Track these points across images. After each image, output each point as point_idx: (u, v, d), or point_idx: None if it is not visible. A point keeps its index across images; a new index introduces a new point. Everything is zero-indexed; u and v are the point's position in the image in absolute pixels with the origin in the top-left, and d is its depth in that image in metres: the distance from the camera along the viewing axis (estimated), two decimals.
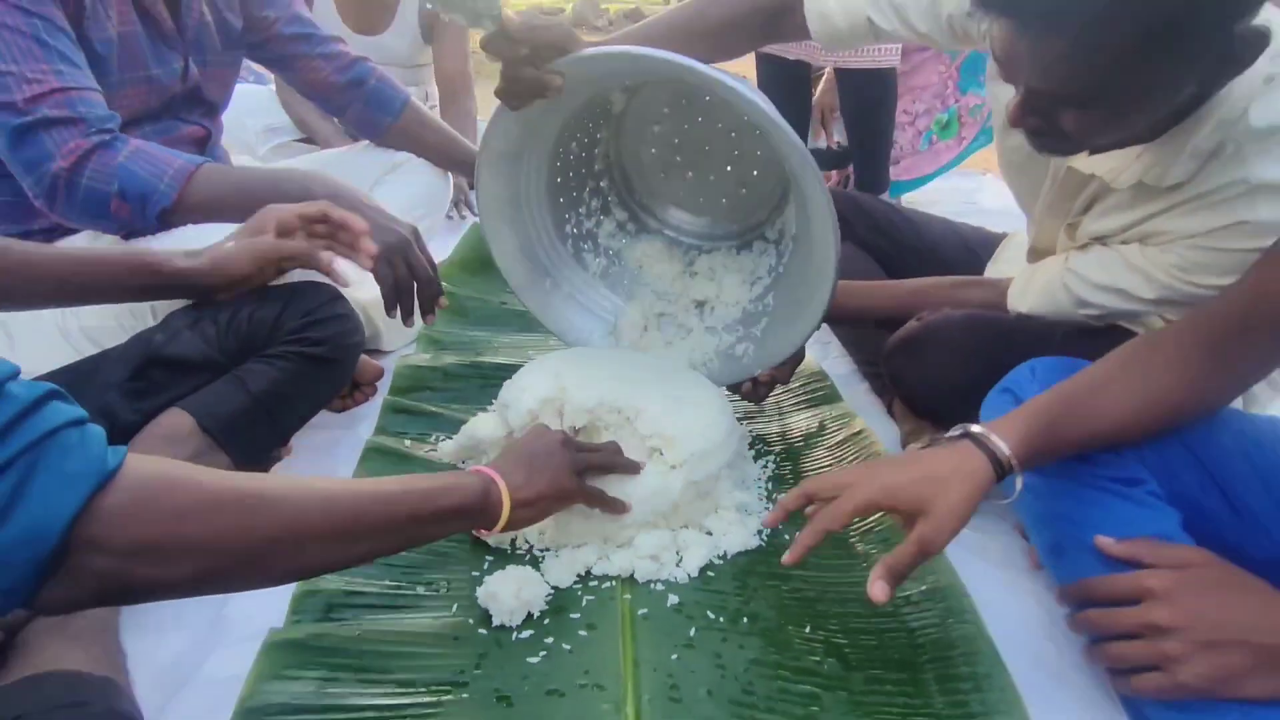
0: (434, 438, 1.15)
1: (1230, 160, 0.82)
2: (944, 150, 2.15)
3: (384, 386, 1.26)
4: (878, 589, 0.72)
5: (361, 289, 1.24)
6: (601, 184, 1.29)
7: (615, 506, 0.92)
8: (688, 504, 0.98)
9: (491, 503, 0.76)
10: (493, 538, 0.96)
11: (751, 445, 1.19)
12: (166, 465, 0.54)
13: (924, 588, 0.91)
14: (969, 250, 1.39)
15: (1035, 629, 0.88)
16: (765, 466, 1.15)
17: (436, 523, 0.71)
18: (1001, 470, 0.76)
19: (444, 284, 1.17)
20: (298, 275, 1.05)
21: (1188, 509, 0.80)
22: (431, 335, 1.41)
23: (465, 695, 0.76)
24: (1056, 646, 0.85)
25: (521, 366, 1.11)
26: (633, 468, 0.94)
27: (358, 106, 1.51)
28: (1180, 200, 0.87)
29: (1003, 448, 0.76)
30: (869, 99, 1.97)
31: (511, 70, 0.95)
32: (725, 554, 0.97)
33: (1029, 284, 1.06)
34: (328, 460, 1.11)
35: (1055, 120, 0.77)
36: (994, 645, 0.83)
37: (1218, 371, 0.78)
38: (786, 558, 0.78)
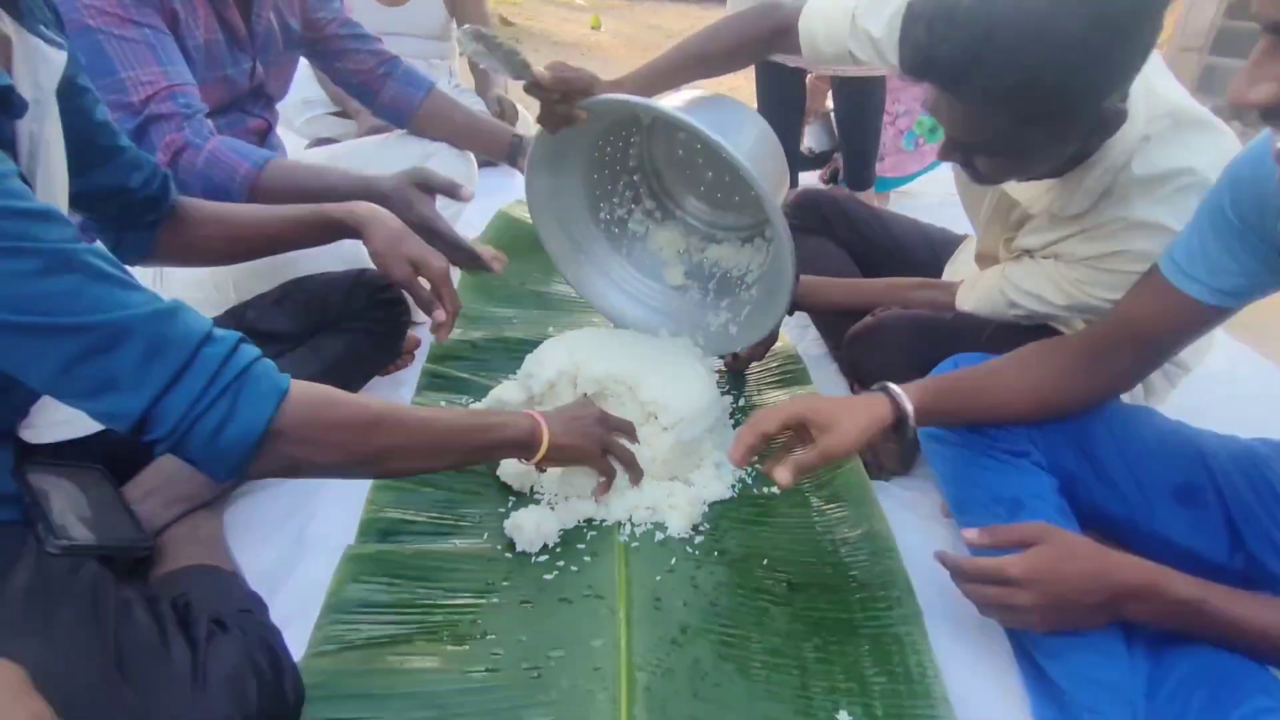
0: (465, 401, 1.37)
1: (1117, 200, 1.02)
2: (929, 152, 2.34)
3: (421, 355, 1.48)
4: (780, 474, 0.93)
5: None
6: (634, 177, 1.52)
7: (606, 487, 1.12)
8: (676, 460, 1.20)
9: (535, 440, 0.98)
10: (516, 483, 1.18)
11: (731, 415, 1.41)
12: (321, 389, 0.77)
13: (860, 532, 1.14)
14: (932, 249, 1.60)
15: (922, 551, 1.08)
16: None
17: (499, 449, 0.97)
18: (901, 418, 0.98)
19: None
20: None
21: (1064, 476, 1.02)
22: (462, 312, 1.60)
23: (496, 599, 1.00)
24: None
25: (540, 342, 1.32)
26: (637, 475, 1.14)
27: (391, 87, 1.61)
28: (1081, 229, 1.07)
29: (904, 400, 0.98)
30: (861, 104, 2.15)
31: (547, 108, 1.18)
32: (704, 502, 1.19)
33: (973, 288, 1.27)
34: None
35: (970, 160, 0.98)
36: (908, 577, 1.05)
37: (1092, 377, 0.99)
38: (732, 452, 0.96)
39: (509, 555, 1.07)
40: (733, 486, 1.23)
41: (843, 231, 1.61)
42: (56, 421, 0.96)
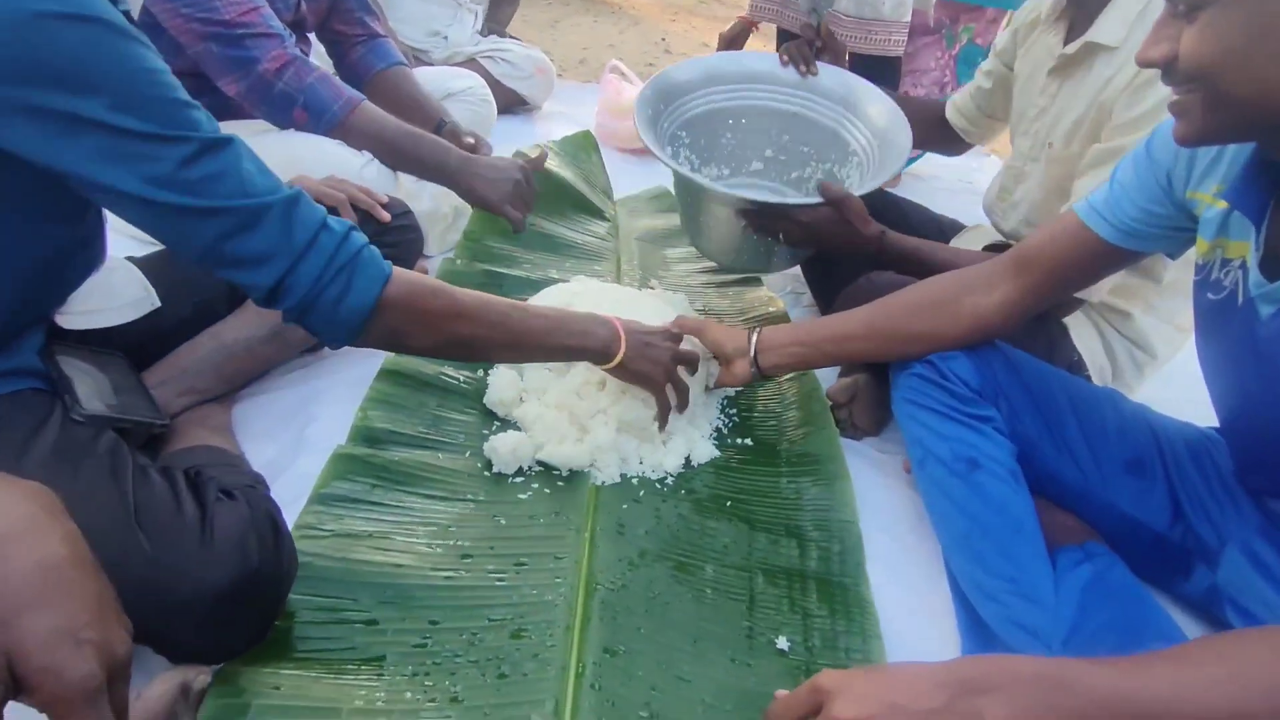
0: None
1: (1148, 21, 1.09)
2: None
3: None
4: None
5: (419, 201, 1.51)
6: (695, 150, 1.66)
7: (664, 419, 1.15)
8: (628, 416, 1.18)
9: (611, 352, 1.05)
10: (500, 410, 1.23)
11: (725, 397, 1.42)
12: (417, 277, 0.87)
13: (824, 486, 1.19)
14: (941, 231, 1.63)
15: (894, 514, 1.19)
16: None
17: (574, 352, 1.04)
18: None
19: None
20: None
21: (1023, 444, 1.06)
22: (469, 245, 1.66)
23: (472, 508, 1.06)
24: (908, 526, 1.16)
25: (542, 282, 1.38)
26: (683, 406, 1.18)
27: (360, 52, 1.65)
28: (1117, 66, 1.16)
29: (754, 340, 1.16)
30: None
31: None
32: (689, 459, 1.21)
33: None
34: None
35: None
36: (860, 532, 1.11)
37: (960, 316, 1.06)
38: None
39: (487, 474, 1.13)
40: (712, 438, 1.26)
41: None
42: (88, 310, 1.03)
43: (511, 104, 2.60)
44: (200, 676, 0.73)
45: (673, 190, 1.69)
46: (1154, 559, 1.04)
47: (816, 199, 1.30)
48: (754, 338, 1.17)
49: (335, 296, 0.79)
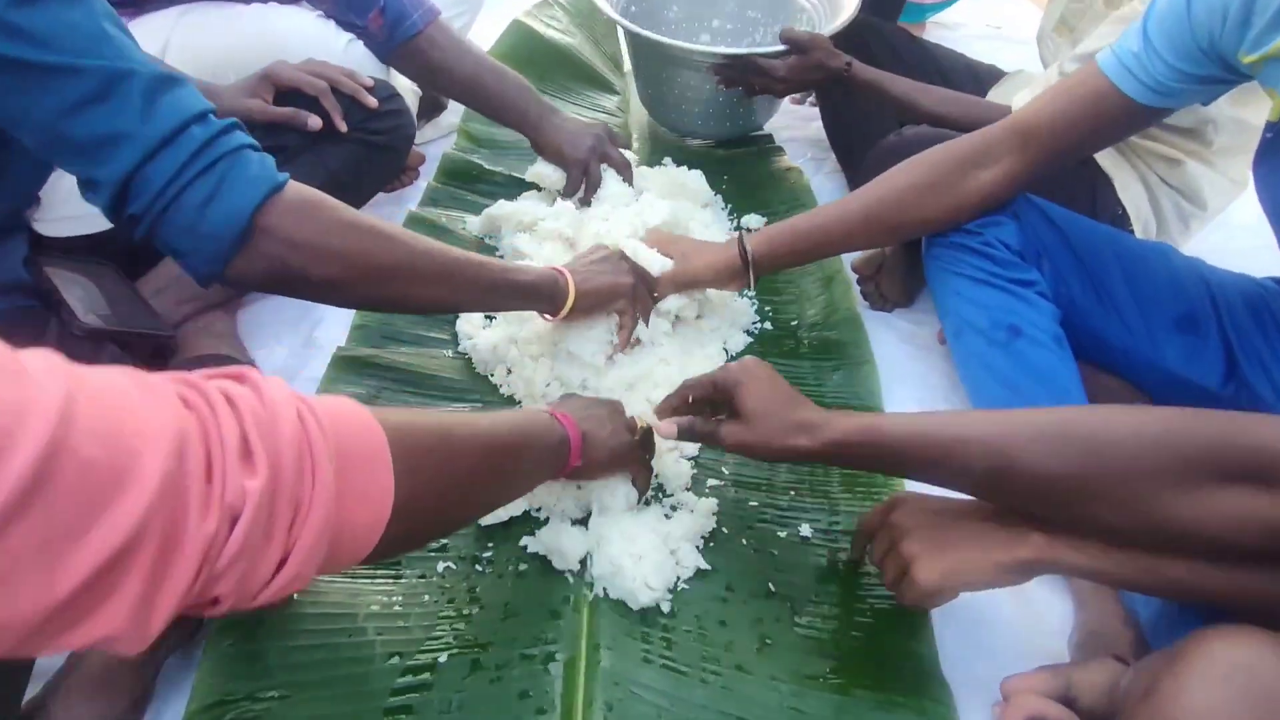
0: (465, 219, 1.34)
1: None
2: None
3: (426, 171, 1.46)
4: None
5: (398, 79, 1.40)
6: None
7: (626, 338, 0.99)
8: None
9: (559, 290, 0.90)
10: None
11: None
12: (324, 195, 0.71)
13: (848, 369, 1.14)
14: (977, 81, 1.50)
15: (927, 387, 1.15)
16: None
17: (512, 296, 0.87)
18: (746, 259, 1.03)
19: None
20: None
21: (1066, 306, 1.00)
22: (469, 132, 1.56)
23: (481, 408, 1.02)
24: (942, 397, 1.13)
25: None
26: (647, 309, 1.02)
27: None
28: None
29: (748, 248, 1.03)
30: None
31: None
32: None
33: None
34: None
35: None
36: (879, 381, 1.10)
37: (960, 192, 0.97)
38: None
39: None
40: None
41: (887, 61, 1.51)
42: (68, 216, 0.98)
43: None
44: None
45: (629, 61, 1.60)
46: None
47: (782, 47, 1.32)
48: (747, 244, 1.03)
49: (202, 197, 0.63)
